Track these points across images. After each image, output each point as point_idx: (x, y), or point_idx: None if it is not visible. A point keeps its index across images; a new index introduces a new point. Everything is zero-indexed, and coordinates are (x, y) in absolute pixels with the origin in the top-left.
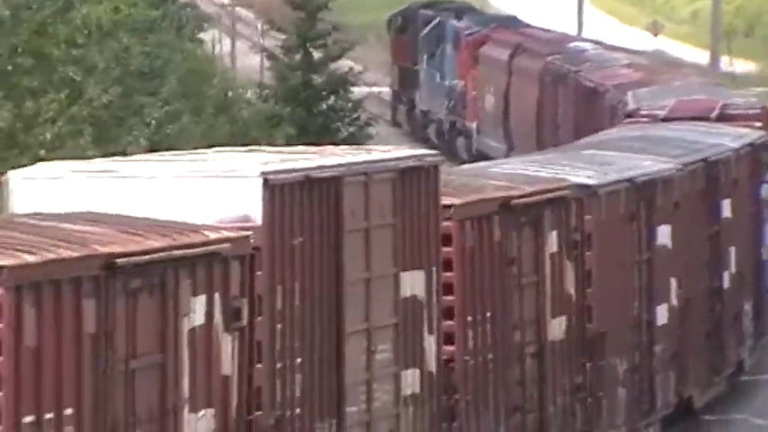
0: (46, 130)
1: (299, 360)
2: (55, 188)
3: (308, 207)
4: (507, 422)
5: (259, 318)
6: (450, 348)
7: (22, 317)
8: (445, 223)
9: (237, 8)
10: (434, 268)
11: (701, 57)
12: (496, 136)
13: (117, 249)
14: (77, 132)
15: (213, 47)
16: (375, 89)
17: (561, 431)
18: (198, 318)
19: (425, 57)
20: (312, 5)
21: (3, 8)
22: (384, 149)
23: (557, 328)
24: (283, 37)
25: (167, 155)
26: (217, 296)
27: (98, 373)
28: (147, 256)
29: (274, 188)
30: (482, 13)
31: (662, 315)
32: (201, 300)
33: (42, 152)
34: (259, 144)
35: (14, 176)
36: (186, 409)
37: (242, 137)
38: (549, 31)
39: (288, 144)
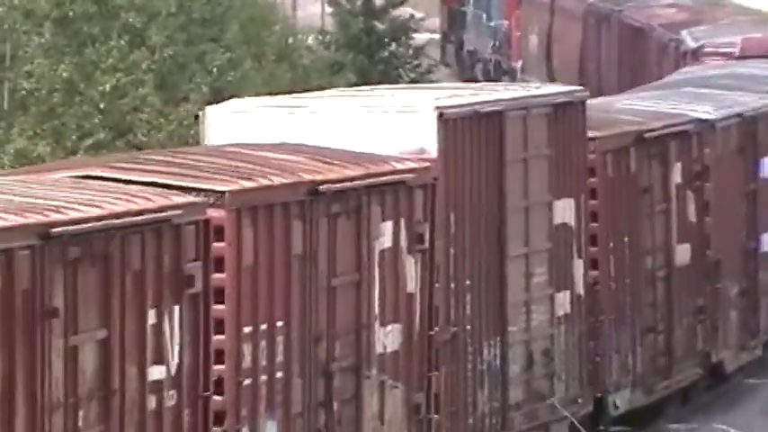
0: (106, 79)
1: (468, 282)
2: (247, 121)
3: (475, 139)
4: (642, 342)
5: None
6: (595, 273)
7: (241, 238)
8: (590, 155)
9: None
10: (582, 196)
11: None
12: (540, 75)
13: (320, 177)
14: (138, 81)
15: None
16: (436, 35)
17: (686, 351)
18: (387, 241)
19: None
20: None
21: None
22: (537, 86)
23: (682, 254)
24: None
25: (347, 91)
26: (402, 221)
27: (304, 289)
28: (345, 183)
29: (448, 122)
30: None
31: (765, 243)
32: (389, 224)
33: (102, 103)
34: (320, 90)
35: (211, 111)
36: (377, 324)
37: (303, 84)
38: None
39: None
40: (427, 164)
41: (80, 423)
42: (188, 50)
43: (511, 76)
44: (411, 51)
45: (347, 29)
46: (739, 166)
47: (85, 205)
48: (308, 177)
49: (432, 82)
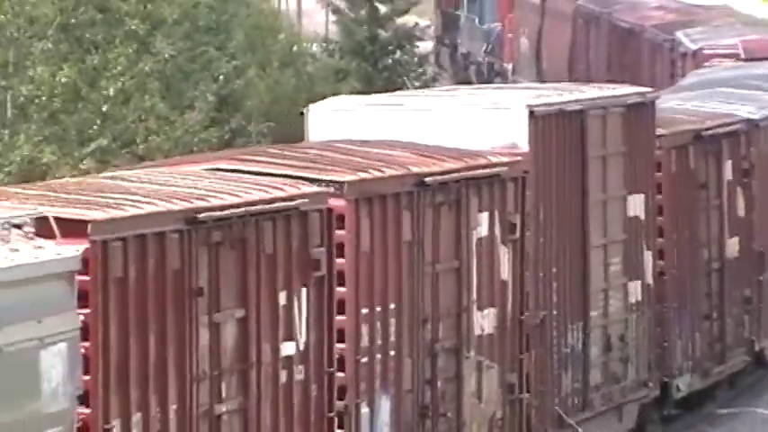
0: (110, 84)
1: (554, 270)
2: (348, 119)
3: (561, 136)
4: (700, 328)
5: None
6: (661, 263)
7: (359, 225)
8: (656, 152)
9: None
10: (650, 191)
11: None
12: (530, 76)
13: (425, 170)
14: (143, 87)
15: (279, 1)
16: None
17: (734, 339)
18: (483, 230)
19: (466, 1)
20: None
21: None
22: (613, 87)
23: (732, 246)
24: None
25: (441, 91)
26: (497, 212)
27: (413, 274)
28: (448, 176)
29: (537, 119)
30: None
31: None
32: (485, 215)
33: (106, 107)
34: (325, 97)
35: (313, 109)
36: (475, 308)
37: (307, 91)
38: None
39: None
40: (519, 158)
41: (223, 394)
42: (193, 58)
43: (503, 76)
44: (416, 59)
45: (352, 37)
46: None
47: (225, 194)
48: (415, 170)
49: None
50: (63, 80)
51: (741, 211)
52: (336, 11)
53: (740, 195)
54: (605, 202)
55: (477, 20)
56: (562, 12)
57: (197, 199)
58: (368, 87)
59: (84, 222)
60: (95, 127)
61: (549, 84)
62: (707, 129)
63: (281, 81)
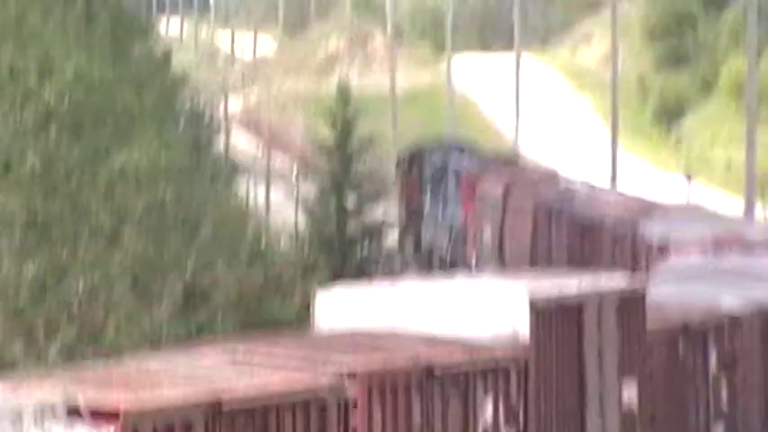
0: (78, 280)
1: None
2: (353, 304)
3: (559, 325)
4: None
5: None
6: None
7: (371, 414)
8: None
9: (272, 157)
10: (642, 379)
11: (737, 204)
12: (492, 268)
13: (434, 361)
14: (111, 282)
15: (247, 195)
16: None
17: None
18: (488, 417)
19: (429, 194)
20: (346, 152)
21: (34, 156)
22: (607, 277)
23: None
24: (318, 185)
25: (444, 278)
26: (501, 400)
27: None
28: (455, 368)
29: (538, 309)
30: (482, 152)
31: None
32: (490, 403)
33: (75, 302)
34: (293, 292)
35: (320, 294)
36: None
37: (275, 285)
38: (542, 168)
39: None
40: (521, 350)
41: None
42: (161, 252)
43: (466, 268)
44: (384, 252)
45: (320, 230)
46: (762, 355)
47: (247, 383)
48: (424, 361)
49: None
50: (30, 276)
51: (724, 401)
52: (305, 205)
53: (724, 385)
54: (602, 391)
55: (440, 211)
56: (523, 205)
57: (221, 389)
58: (336, 280)
59: (117, 411)
60: (62, 322)
61: (544, 269)
62: (696, 321)
63: (249, 275)
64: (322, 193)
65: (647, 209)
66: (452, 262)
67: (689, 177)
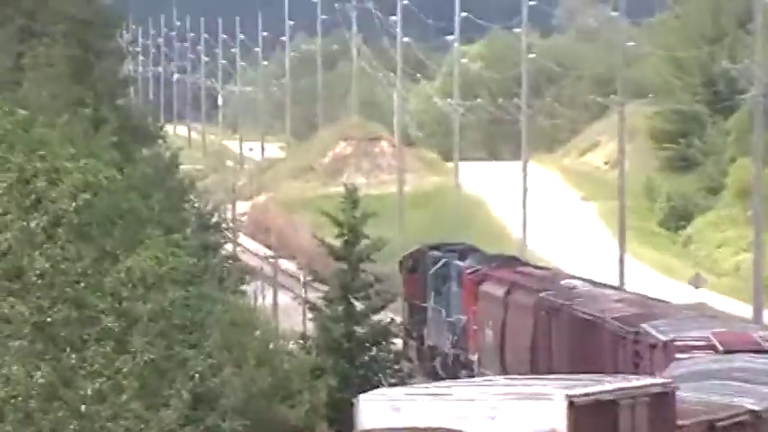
0: (87, 384)
1: None
2: (395, 409)
3: (595, 424)
4: None
5: None
6: None
7: None
8: None
9: (280, 260)
10: None
11: (744, 310)
12: (494, 367)
13: None
14: (120, 386)
15: (255, 298)
16: None
17: None
18: None
19: (433, 294)
20: (354, 257)
21: (42, 260)
22: (634, 377)
23: None
24: (326, 288)
25: (480, 380)
26: None
27: None
28: None
29: (576, 408)
30: (484, 253)
31: None
32: None
33: (83, 407)
34: (301, 395)
35: (363, 399)
36: None
37: (283, 389)
38: (542, 268)
39: (329, 396)
40: None
41: None
42: (169, 356)
43: (468, 368)
44: (392, 355)
45: (328, 333)
46: None
47: None
48: None
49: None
50: (40, 381)
51: None
52: (313, 308)
53: None
54: None
55: (443, 312)
56: (524, 304)
57: None
58: (344, 384)
59: None
60: (71, 427)
61: (579, 375)
62: (720, 419)
63: (256, 378)
64: (329, 296)
65: (650, 307)
66: (455, 362)
67: (697, 282)
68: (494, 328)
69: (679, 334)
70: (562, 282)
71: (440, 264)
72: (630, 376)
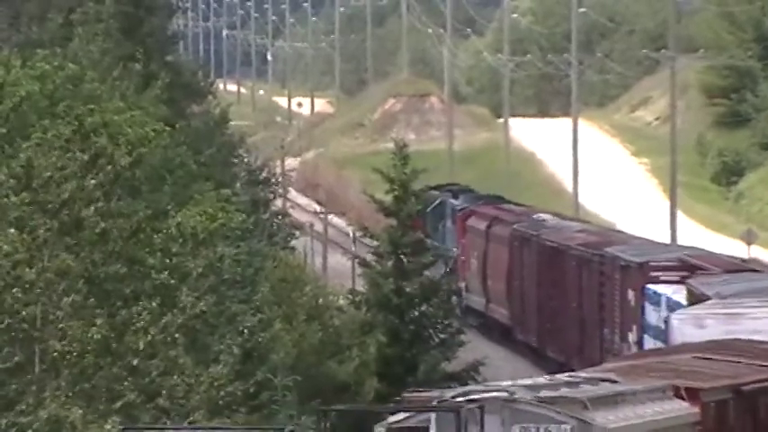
0: (138, 338)
1: None
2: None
3: None
4: None
5: None
6: None
7: None
8: None
9: (329, 216)
10: None
11: None
12: (478, 293)
13: None
14: (170, 341)
15: (305, 254)
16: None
17: None
18: None
19: (432, 230)
20: (404, 213)
21: (95, 216)
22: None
23: None
24: (375, 244)
25: None
26: None
27: None
28: None
29: None
30: (474, 192)
31: None
32: None
33: (135, 361)
34: (350, 351)
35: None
36: None
37: (333, 344)
38: (522, 206)
39: (379, 352)
40: None
41: None
42: (219, 312)
43: (458, 295)
44: (442, 312)
45: (378, 289)
46: None
47: None
48: None
49: (462, 344)
50: (96, 336)
51: None
52: (363, 263)
53: None
54: None
55: (439, 245)
56: (501, 235)
57: None
58: (393, 340)
59: None
60: (125, 383)
61: None
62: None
63: (306, 334)
64: (379, 252)
65: (609, 236)
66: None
67: (749, 237)
68: (478, 258)
69: (652, 257)
70: (533, 216)
71: (437, 202)
72: None
